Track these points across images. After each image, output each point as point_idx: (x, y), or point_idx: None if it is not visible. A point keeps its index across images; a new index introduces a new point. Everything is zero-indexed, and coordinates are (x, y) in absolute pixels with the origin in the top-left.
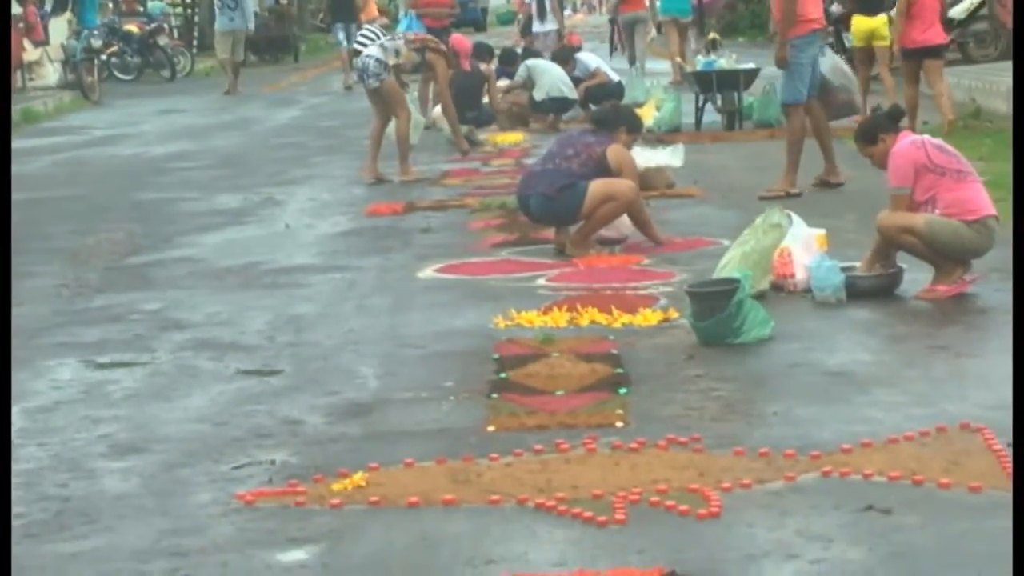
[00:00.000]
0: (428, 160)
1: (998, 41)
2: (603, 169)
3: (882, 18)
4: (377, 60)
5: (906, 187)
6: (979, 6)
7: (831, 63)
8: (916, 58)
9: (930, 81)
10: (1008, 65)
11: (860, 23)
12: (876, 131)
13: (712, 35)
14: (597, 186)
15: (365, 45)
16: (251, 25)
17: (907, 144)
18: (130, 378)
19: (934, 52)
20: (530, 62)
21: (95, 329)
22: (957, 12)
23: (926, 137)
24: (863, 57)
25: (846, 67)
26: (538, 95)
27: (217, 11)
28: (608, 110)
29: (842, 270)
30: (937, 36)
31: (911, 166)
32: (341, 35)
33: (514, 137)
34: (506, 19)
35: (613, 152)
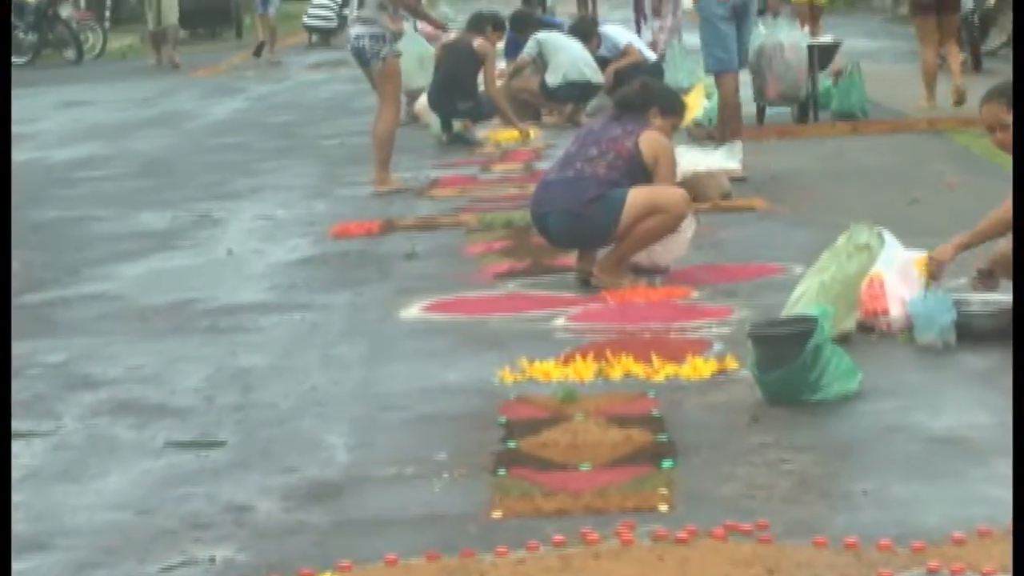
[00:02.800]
0: (412, 164)
1: None
2: (638, 168)
3: None
4: (372, 36)
5: None
6: None
7: (761, 43)
8: (931, 11)
9: (942, 39)
10: None
11: None
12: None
13: None
14: (639, 195)
15: (324, 18)
16: None
17: None
18: (28, 452)
19: (950, 4)
20: (542, 36)
21: None
22: None
23: None
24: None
25: (791, 52)
26: (552, 79)
27: None
28: (635, 88)
29: (952, 304)
30: None
31: None
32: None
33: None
34: None
35: (647, 140)
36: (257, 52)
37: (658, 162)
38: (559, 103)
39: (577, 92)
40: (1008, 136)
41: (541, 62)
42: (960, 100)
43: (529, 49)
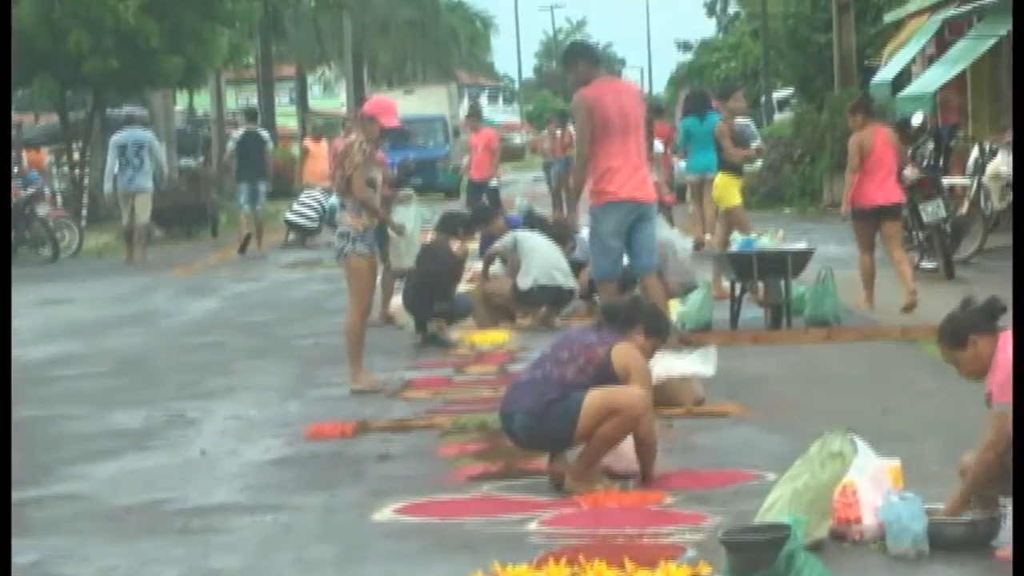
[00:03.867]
0: (386, 365)
1: None
2: (608, 377)
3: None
4: (339, 235)
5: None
6: None
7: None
8: (871, 219)
9: (889, 247)
10: None
11: (726, 184)
12: (966, 331)
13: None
14: (594, 397)
15: (308, 218)
16: (148, 185)
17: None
18: None
19: (891, 212)
20: (520, 234)
21: None
22: None
23: None
24: (725, 224)
25: (680, 248)
26: (524, 282)
27: (118, 170)
28: (625, 303)
29: (924, 512)
30: (894, 194)
31: None
32: (243, 197)
33: (496, 336)
34: (452, 179)
35: (620, 352)
36: (243, 248)
37: (629, 375)
38: (530, 307)
39: (548, 296)
40: (963, 368)
41: (515, 261)
42: (911, 306)
43: (505, 243)
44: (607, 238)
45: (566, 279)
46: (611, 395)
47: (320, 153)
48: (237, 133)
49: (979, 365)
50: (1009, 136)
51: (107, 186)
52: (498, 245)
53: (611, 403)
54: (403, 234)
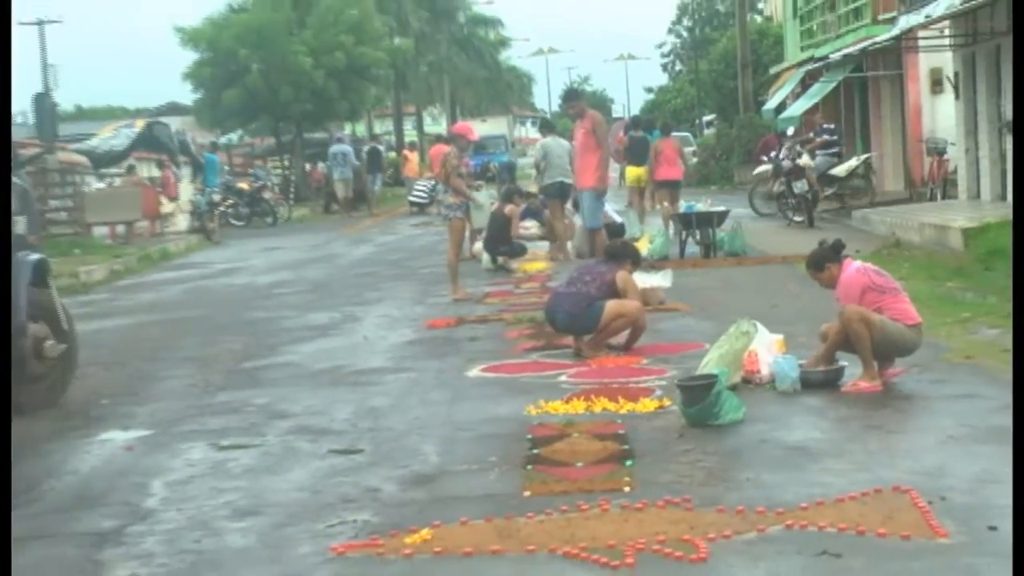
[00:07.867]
0: (473, 284)
1: (870, 195)
2: (613, 290)
3: (643, 168)
4: (446, 206)
5: (853, 305)
6: (855, 168)
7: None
8: (665, 187)
9: (667, 201)
10: (918, 206)
11: (631, 171)
12: (823, 261)
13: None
14: (612, 306)
15: (421, 197)
16: (350, 175)
17: (854, 272)
18: (246, 457)
19: (673, 184)
20: (543, 142)
21: (218, 419)
22: (839, 171)
23: (867, 264)
24: (636, 193)
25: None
26: (541, 182)
27: (333, 167)
28: (620, 246)
29: (797, 367)
30: (673, 173)
31: (859, 289)
32: (369, 183)
33: (539, 265)
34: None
35: (620, 278)
36: (349, 207)
37: (627, 291)
38: (549, 197)
39: (563, 189)
40: (821, 283)
41: (542, 163)
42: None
43: (536, 152)
44: (603, 206)
45: (567, 177)
46: (621, 305)
47: (413, 158)
48: (366, 148)
49: (832, 282)
50: (819, 140)
51: (335, 176)
52: (532, 152)
53: (621, 310)
54: (479, 205)
